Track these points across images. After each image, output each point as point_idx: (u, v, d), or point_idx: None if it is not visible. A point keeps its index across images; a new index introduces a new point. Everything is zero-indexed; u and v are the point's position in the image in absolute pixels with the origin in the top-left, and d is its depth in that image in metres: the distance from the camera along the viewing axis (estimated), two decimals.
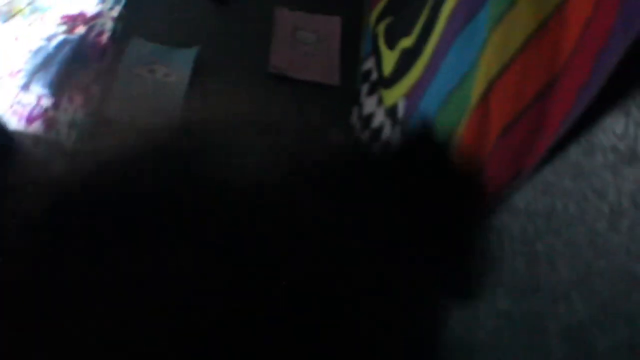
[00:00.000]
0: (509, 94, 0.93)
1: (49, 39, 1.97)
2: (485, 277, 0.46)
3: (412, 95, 1.35)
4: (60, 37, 1.97)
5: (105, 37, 1.99)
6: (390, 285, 0.40)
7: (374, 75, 1.69)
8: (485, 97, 0.99)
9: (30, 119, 1.78)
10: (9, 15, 2.05)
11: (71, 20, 2.02)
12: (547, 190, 0.81)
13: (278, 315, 0.34)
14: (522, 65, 0.92)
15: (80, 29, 1.99)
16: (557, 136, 0.79)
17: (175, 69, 1.89)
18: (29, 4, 2.08)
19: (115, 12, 2.05)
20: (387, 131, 1.50)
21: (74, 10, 2.04)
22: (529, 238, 0.83)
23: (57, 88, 1.84)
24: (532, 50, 0.90)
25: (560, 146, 0.79)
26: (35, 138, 1.74)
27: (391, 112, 1.49)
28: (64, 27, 2.00)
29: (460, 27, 1.15)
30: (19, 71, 1.88)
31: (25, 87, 1.85)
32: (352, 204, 0.40)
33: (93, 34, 1.99)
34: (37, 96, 1.82)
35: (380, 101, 1.60)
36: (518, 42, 0.93)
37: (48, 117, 1.77)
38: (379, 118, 1.58)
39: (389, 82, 1.52)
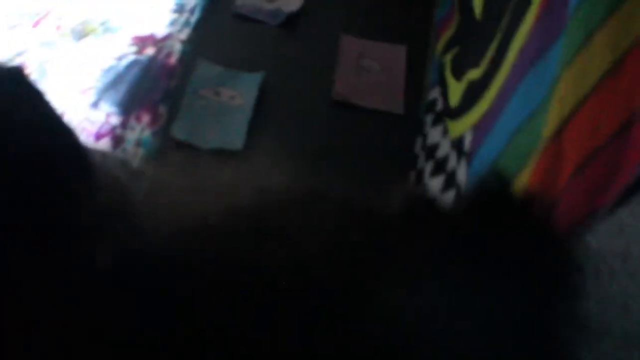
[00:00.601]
0: (583, 133, 0.91)
1: (120, 58, 2.03)
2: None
3: (479, 129, 1.33)
4: (131, 57, 2.03)
5: (173, 59, 2.04)
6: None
7: (440, 106, 1.68)
8: (558, 135, 0.97)
9: (98, 136, 1.83)
10: (82, 34, 2.13)
11: (141, 41, 2.08)
12: (622, 231, 0.79)
13: (278, 315, 0.34)
14: (598, 103, 0.90)
15: (150, 50, 2.05)
16: (633, 177, 0.78)
17: (240, 92, 1.92)
18: (102, 24, 2.15)
19: (184, 35, 2.10)
20: (452, 163, 1.48)
21: (144, 32, 2.10)
22: (602, 279, 0.81)
23: (126, 107, 1.89)
24: (609, 88, 0.88)
25: (637, 187, 0.77)
26: (103, 155, 1.79)
27: (457, 143, 1.48)
28: (134, 48, 2.06)
29: (531, 62, 1.13)
30: (89, 89, 1.94)
31: (95, 104, 1.91)
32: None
33: (162, 55, 2.04)
34: (106, 114, 1.88)
35: (445, 132, 1.59)
36: (593, 79, 0.91)
37: (116, 135, 1.82)
38: (444, 149, 1.57)
39: (455, 113, 1.51)
